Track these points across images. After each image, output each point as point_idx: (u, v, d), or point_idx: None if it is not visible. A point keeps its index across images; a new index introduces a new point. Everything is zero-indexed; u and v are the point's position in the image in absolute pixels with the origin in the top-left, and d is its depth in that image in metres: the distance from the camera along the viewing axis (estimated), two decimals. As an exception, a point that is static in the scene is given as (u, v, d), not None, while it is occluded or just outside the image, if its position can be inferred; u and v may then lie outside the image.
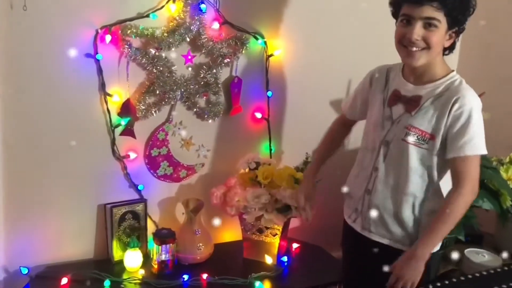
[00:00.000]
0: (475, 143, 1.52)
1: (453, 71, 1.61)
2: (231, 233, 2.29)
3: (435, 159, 1.57)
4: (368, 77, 1.76)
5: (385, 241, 1.65)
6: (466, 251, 2.02)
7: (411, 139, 1.57)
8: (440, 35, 1.51)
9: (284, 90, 2.29)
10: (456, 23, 1.52)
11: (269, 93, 2.22)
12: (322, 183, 1.98)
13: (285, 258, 2.13)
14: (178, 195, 2.20)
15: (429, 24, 1.49)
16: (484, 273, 1.67)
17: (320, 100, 2.37)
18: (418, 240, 1.57)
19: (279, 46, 2.19)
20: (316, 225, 2.25)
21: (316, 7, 2.22)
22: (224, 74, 2.14)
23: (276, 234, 2.09)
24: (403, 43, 1.54)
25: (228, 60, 2.09)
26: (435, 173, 1.59)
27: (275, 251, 2.11)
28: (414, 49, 1.52)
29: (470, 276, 1.64)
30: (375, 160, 1.65)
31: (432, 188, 1.60)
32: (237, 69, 2.15)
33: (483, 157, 1.96)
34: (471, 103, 1.52)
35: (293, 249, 2.25)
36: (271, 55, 2.18)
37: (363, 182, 1.68)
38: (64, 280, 1.84)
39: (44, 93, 1.86)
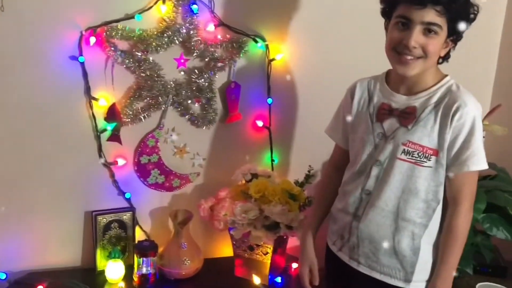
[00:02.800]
0: (479, 158, 1.35)
1: (446, 75, 1.42)
2: (226, 248, 2.15)
3: (441, 177, 1.38)
4: (348, 93, 1.59)
5: (376, 274, 1.46)
6: (478, 285, 1.74)
7: (410, 156, 1.38)
8: (439, 43, 1.34)
9: (288, 97, 2.12)
10: (457, 30, 1.35)
11: (269, 100, 2.06)
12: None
13: (278, 279, 1.97)
14: (171, 205, 2.09)
15: (429, 30, 1.31)
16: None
17: (327, 109, 2.11)
18: (436, 276, 1.39)
19: (281, 50, 2.03)
20: (321, 246, 2.07)
21: (323, 8, 2.04)
22: (221, 79, 2.01)
23: (267, 252, 1.93)
24: (398, 49, 1.35)
25: (222, 64, 1.96)
26: (441, 194, 1.40)
27: (267, 271, 1.95)
28: (410, 57, 1.33)
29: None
30: (364, 183, 1.46)
31: (435, 211, 1.41)
32: (234, 74, 2.01)
33: (497, 179, 1.73)
34: (474, 112, 1.34)
35: (293, 269, 2.08)
36: (273, 60, 2.03)
37: (351, 206, 1.49)
38: (39, 288, 1.79)
39: (27, 96, 1.81)
